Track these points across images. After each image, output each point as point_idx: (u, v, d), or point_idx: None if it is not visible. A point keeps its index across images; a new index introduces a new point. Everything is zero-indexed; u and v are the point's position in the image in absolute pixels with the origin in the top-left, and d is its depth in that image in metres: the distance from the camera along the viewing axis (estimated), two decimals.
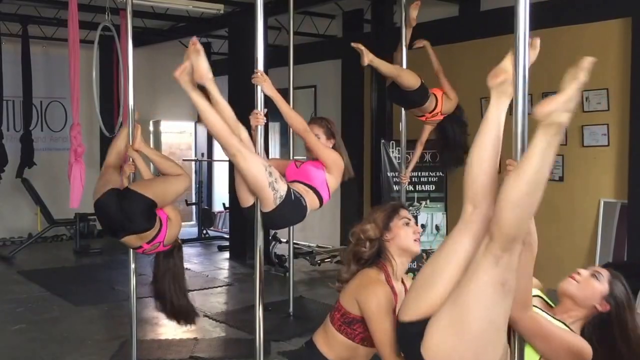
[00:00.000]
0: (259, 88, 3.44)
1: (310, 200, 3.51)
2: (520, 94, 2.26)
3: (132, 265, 4.50)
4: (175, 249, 4.19)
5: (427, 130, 5.68)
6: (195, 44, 3.31)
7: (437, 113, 5.42)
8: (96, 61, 6.04)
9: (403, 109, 5.75)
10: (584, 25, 7.29)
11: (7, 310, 7.08)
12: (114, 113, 8.78)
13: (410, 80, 5.21)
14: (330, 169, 3.62)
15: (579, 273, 2.50)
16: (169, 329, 6.23)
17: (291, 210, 3.36)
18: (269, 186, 3.25)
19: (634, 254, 6.65)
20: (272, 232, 8.58)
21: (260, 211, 3.37)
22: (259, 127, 3.44)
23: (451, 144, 5.60)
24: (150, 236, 3.96)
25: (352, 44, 4.97)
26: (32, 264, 9.53)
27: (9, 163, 9.86)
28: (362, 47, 4.90)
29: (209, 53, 12.81)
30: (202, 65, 3.30)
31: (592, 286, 2.43)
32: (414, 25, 5.51)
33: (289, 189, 3.33)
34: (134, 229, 3.94)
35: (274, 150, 11.63)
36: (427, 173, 7.47)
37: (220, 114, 3.39)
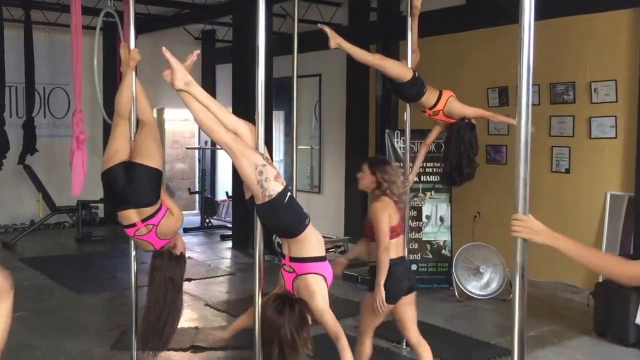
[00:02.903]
0: (260, 77, 3.36)
1: (316, 237, 3.50)
2: (524, 84, 2.22)
3: (134, 253, 4.45)
4: (172, 255, 4.15)
5: (435, 132, 5.41)
6: (164, 53, 3.34)
7: (439, 111, 5.15)
8: (98, 48, 5.97)
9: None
10: (593, 15, 7.19)
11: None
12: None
13: (397, 71, 4.94)
14: None
15: None
16: None
17: (280, 211, 3.34)
18: (257, 183, 3.31)
19: None
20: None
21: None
22: (260, 118, 3.38)
23: (450, 170, 5.23)
24: (148, 213, 3.94)
25: (319, 25, 4.80)
26: (34, 251, 9.51)
27: (11, 149, 9.81)
28: (328, 29, 4.71)
29: (213, 40, 12.73)
30: (175, 74, 3.34)
31: None
32: (417, 14, 5.34)
33: (284, 192, 3.32)
34: (138, 201, 3.94)
35: (279, 140, 11.57)
36: (431, 164, 7.40)
37: (210, 111, 3.39)
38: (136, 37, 4.40)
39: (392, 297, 4.09)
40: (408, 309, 4.30)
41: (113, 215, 10.84)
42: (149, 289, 4.17)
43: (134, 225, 3.98)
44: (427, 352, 4.37)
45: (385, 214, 4.06)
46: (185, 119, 13.46)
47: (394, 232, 4.10)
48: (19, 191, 10.95)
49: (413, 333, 4.37)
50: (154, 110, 12.45)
